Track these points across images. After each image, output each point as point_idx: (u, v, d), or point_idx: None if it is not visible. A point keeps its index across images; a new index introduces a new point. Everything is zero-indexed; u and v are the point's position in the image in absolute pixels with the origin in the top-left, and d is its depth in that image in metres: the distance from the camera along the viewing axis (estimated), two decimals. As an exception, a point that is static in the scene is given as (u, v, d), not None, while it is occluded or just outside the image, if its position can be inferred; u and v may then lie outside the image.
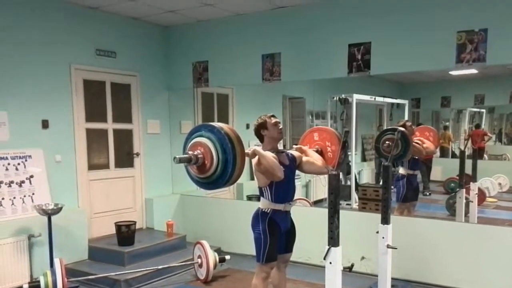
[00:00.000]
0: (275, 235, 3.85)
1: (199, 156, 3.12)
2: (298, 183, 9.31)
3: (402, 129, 5.40)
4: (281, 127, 3.95)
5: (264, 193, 3.87)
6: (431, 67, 5.93)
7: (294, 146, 4.25)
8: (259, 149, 3.75)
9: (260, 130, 3.92)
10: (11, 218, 5.23)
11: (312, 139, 4.36)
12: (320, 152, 4.22)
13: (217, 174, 3.11)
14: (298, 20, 5.91)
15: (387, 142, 5.51)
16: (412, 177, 6.25)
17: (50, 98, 5.73)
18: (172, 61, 7.10)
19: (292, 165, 3.95)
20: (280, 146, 4.12)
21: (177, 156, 3.12)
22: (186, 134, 7.21)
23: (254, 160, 3.74)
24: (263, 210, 3.87)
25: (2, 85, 5.29)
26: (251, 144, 8.72)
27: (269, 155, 3.71)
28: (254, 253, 3.95)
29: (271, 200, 3.84)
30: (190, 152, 3.16)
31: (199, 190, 7.57)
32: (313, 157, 4.09)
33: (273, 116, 3.94)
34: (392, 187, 5.84)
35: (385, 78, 11.81)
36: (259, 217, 3.88)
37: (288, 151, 4.06)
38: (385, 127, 10.93)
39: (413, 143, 5.85)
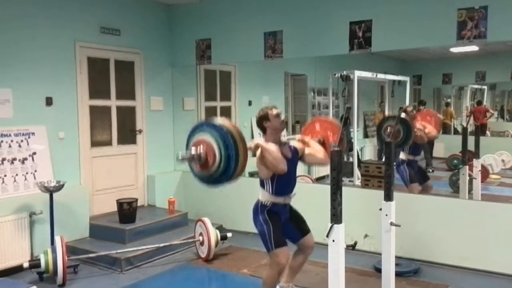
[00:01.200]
0: (276, 220, 3.76)
1: (202, 154, 3.09)
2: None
3: (403, 116, 5.27)
4: (282, 118, 3.86)
5: (265, 185, 3.78)
6: (432, 44, 5.82)
7: (297, 137, 4.14)
8: (262, 142, 3.65)
9: (262, 122, 3.82)
10: (13, 195, 5.08)
11: (314, 129, 4.27)
12: (323, 143, 4.09)
13: (220, 170, 3.09)
14: (299, -2, 5.78)
15: (389, 128, 5.45)
16: (413, 162, 6.20)
17: (54, 75, 5.59)
18: (175, 39, 6.94)
19: (294, 158, 3.86)
20: (283, 138, 3.97)
21: (181, 156, 3.13)
22: (189, 110, 7.07)
23: (257, 153, 3.63)
24: (263, 202, 3.81)
25: (6, 62, 5.13)
26: (254, 120, 8.58)
27: (273, 148, 3.61)
28: (255, 230, 3.82)
29: (271, 193, 3.76)
30: (194, 149, 3.12)
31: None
32: (315, 149, 3.96)
33: (274, 107, 3.85)
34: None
35: (386, 55, 11.67)
36: (258, 210, 3.82)
37: (291, 144, 3.93)
38: (386, 104, 10.80)
39: (415, 129, 5.84)
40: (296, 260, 3.95)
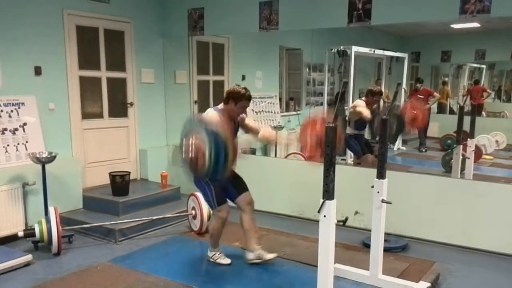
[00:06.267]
0: (216, 181, 4.27)
1: (193, 157, 3.45)
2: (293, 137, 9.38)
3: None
4: (245, 113, 4.39)
5: None
6: (434, 18, 5.86)
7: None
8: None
9: (229, 99, 4.25)
10: (5, 166, 5.30)
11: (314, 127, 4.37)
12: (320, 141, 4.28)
13: (208, 173, 3.54)
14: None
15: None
16: (359, 136, 6.93)
17: (43, 44, 5.70)
18: (167, 8, 7.02)
19: (234, 132, 4.33)
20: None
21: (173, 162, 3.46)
22: (181, 84, 7.07)
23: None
24: None
25: (-7, 30, 5.25)
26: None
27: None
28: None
29: None
30: (185, 154, 3.51)
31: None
32: (255, 127, 4.60)
33: (249, 99, 4.26)
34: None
35: (384, 31, 11.78)
36: None
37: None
38: (383, 81, 10.96)
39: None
40: (243, 222, 4.57)
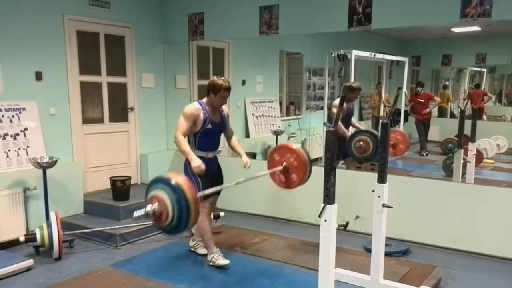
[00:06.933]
0: (205, 174, 4.42)
1: (156, 211, 3.31)
2: (294, 141, 9.40)
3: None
4: (225, 102, 4.56)
5: (190, 140, 4.54)
6: (435, 22, 5.86)
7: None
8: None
9: (209, 90, 4.46)
10: (6, 171, 5.31)
11: (274, 161, 4.39)
12: (287, 170, 4.26)
13: (172, 226, 3.33)
14: (298, -31, 5.78)
15: (361, 143, 6.15)
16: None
17: (44, 49, 5.72)
18: (167, 13, 7.05)
19: (222, 123, 4.65)
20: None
21: (135, 215, 3.48)
22: (181, 88, 7.16)
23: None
24: None
25: (-6, 36, 5.26)
26: (247, 100, 8.77)
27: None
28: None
29: (194, 147, 4.52)
30: (149, 207, 3.33)
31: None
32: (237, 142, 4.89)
33: (227, 89, 4.42)
34: None
35: (385, 34, 11.76)
36: (186, 162, 4.49)
37: (223, 110, 4.66)
38: (383, 85, 10.98)
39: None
40: (203, 222, 4.65)
